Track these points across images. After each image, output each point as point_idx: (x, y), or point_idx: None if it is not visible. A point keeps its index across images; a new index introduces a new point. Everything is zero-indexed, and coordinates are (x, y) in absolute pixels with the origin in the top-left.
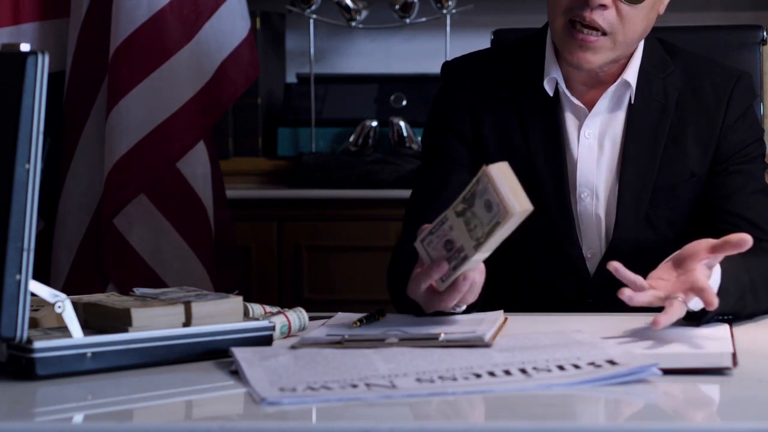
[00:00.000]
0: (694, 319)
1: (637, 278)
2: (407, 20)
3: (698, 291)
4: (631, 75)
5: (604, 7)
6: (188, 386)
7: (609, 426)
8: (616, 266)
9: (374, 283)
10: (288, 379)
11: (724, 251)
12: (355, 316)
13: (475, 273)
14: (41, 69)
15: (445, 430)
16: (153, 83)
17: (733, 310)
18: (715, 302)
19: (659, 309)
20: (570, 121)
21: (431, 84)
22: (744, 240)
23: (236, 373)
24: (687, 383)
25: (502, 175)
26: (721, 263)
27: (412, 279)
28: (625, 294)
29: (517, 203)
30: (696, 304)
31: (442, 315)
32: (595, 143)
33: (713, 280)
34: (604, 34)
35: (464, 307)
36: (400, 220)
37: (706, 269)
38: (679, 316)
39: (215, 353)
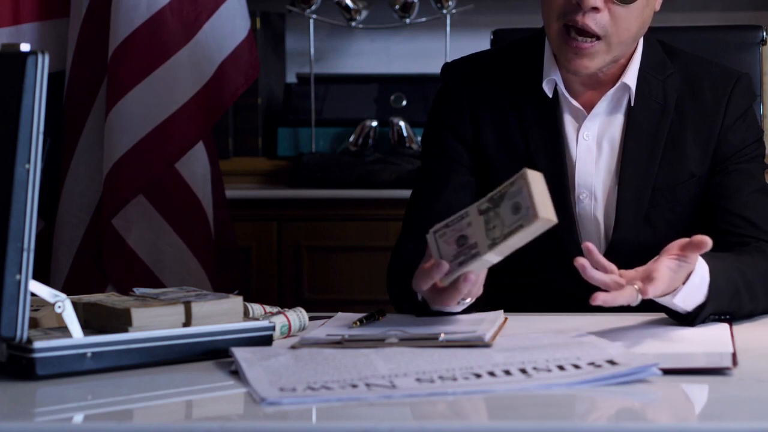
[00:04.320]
0: (686, 320)
1: (607, 263)
2: (407, 20)
3: (649, 279)
4: (631, 78)
5: (596, 9)
6: (188, 386)
7: (609, 426)
8: (582, 263)
9: (374, 283)
10: (288, 379)
11: (690, 250)
12: (355, 316)
13: (474, 272)
14: (41, 69)
15: (445, 430)
16: (153, 83)
17: (729, 308)
18: (649, 292)
19: (657, 309)
20: (569, 122)
21: (431, 84)
22: (704, 242)
23: (236, 373)
24: (687, 383)
25: (537, 182)
26: (709, 262)
27: (417, 274)
28: (583, 266)
29: (546, 212)
30: (687, 303)
31: (442, 315)
32: (593, 144)
33: (700, 276)
34: (598, 38)
35: (470, 300)
36: (400, 220)
37: (669, 262)
38: (628, 301)
39: (215, 353)
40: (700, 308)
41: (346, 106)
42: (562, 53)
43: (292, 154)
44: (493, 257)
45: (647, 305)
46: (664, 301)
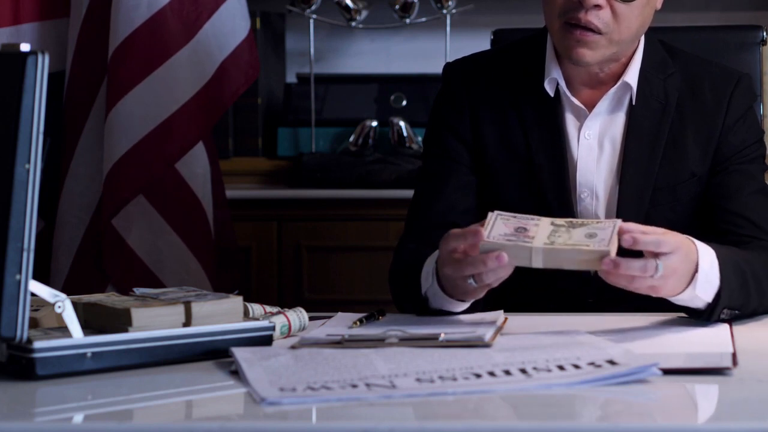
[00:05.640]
0: (703, 314)
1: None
2: (407, 20)
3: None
4: (632, 77)
5: (598, 7)
6: (188, 386)
7: (609, 426)
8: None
9: (374, 283)
10: (288, 379)
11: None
12: (355, 316)
13: (506, 257)
14: (41, 69)
15: (445, 430)
16: (153, 83)
17: (739, 298)
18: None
19: (672, 309)
20: (570, 121)
21: (431, 84)
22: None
23: (236, 373)
24: (687, 383)
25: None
26: (716, 249)
27: (450, 235)
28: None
29: (613, 252)
30: (707, 293)
31: (443, 315)
32: (594, 144)
33: (709, 262)
34: (600, 33)
35: (475, 285)
36: (400, 220)
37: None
38: (635, 270)
39: (215, 353)
40: (717, 296)
41: (346, 106)
42: (565, 44)
43: (292, 154)
44: (538, 257)
45: (661, 305)
46: (683, 299)
